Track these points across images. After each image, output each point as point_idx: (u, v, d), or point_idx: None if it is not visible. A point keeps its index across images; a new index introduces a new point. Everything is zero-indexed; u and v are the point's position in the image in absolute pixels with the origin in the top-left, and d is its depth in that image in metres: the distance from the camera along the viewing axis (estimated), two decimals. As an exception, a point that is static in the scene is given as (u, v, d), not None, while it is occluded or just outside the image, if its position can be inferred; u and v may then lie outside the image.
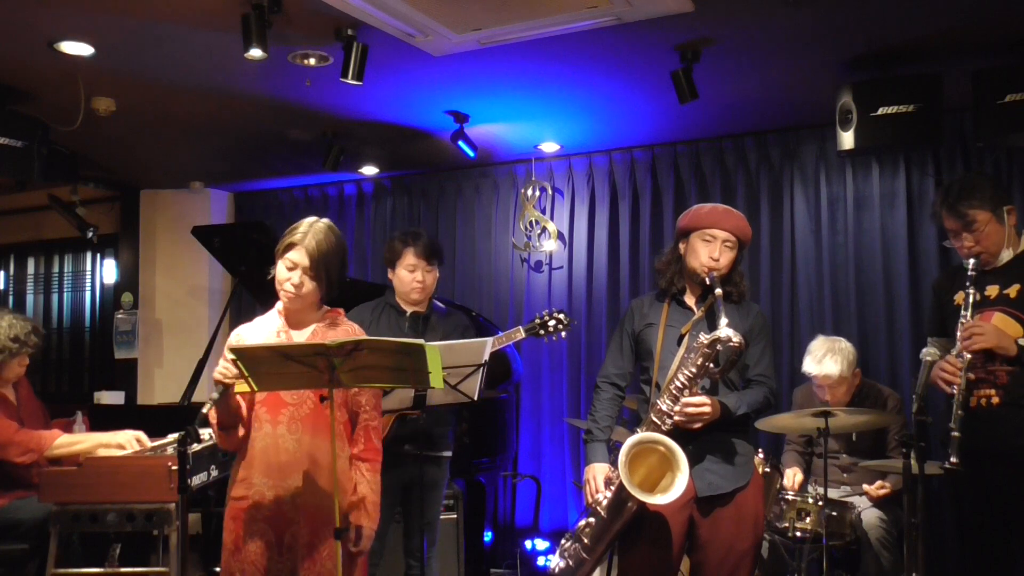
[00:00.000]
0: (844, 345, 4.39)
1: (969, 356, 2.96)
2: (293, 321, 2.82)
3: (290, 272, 2.72)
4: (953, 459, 2.91)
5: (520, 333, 3.93)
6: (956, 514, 3.89)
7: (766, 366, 3.08)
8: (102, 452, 3.71)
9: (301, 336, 2.80)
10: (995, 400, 3.01)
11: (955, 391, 2.97)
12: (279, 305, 2.84)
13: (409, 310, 3.70)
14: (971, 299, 3.02)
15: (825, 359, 4.31)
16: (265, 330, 2.84)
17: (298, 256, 2.71)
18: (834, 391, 4.35)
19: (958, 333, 3.01)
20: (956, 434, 2.93)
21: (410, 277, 3.65)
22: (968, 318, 3.00)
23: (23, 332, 3.96)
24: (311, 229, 2.74)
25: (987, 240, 3.07)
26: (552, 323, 3.99)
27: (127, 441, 3.77)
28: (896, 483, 4.17)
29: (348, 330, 2.84)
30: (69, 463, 3.59)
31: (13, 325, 3.95)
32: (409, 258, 3.65)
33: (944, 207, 3.13)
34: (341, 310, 2.91)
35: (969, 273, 3.04)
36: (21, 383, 4.12)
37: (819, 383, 4.37)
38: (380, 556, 3.70)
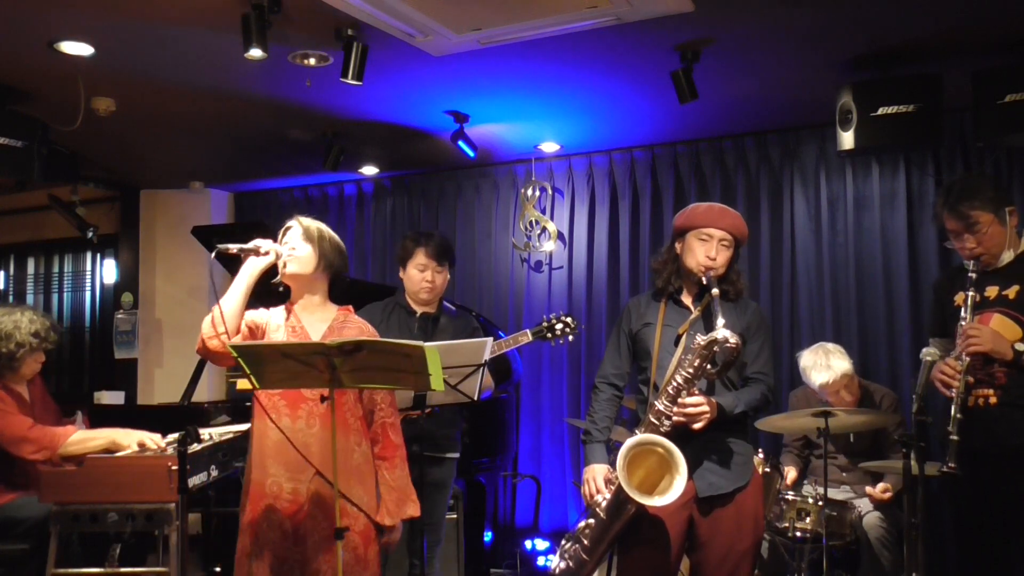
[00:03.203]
0: (832, 345, 4.39)
1: (968, 359, 2.96)
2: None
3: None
4: (951, 464, 2.91)
5: (527, 336, 3.91)
6: (955, 514, 3.90)
7: (764, 363, 3.07)
8: (120, 452, 3.69)
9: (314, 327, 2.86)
10: (992, 400, 3.00)
11: (953, 394, 2.97)
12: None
13: (419, 310, 3.71)
14: (970, 301, 3.01)
15: (831, 361, 4.28)
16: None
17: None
18: (848, 389, 4.32)
19: (957, 336, 3.00)
20: (955, 438, 2.92)
21: (420, 276, 3.66)
22: (967, 320, 2.99)
23: (43, 328, 3.98)
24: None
25: (989, 241, 3.06)
26: (559, 327, 3.96)
27: (150, 439, 3.74)
28: (896, 483, 4.17)
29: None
30: (76, 462, 3.60)
31: (34, 321, 3.98)
32: (420, 257, 3.66)
33: (946, 208, 3.11)
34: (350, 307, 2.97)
35: (970, 275, 3.04)
36: (35, 382, 4.14)
37: (833, 388, 4.28)
38: (385, 555, 3.70)
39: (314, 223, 2.87)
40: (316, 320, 2.85)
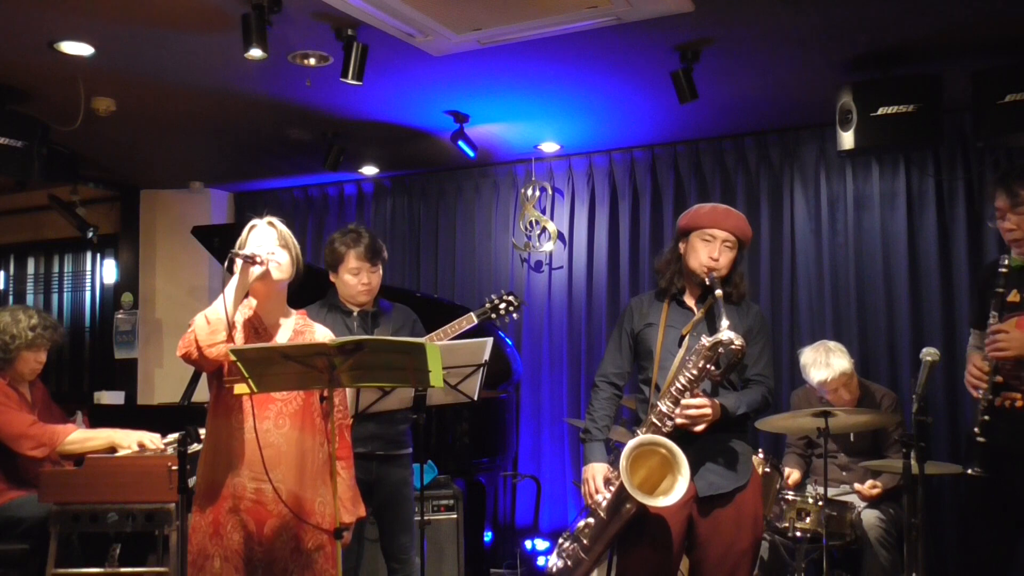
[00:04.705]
0: (834, 343, 4.39)
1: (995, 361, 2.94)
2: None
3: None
4: (976, 468, 2.91)
5: (472, 319, 3.88)
6: (962, 511, 3.86)
7: (764, 365, 3.08)
8: (120, 452, 3.69)
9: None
10: (1019, 403, 2.98)
11: (980, 395, 2.96)
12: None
13: (355, 309, 3.66)
14: (1002, 299, 2.98)
15: (831, 359, 4.27)
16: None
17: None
18: (847, 388, 4.31)
19: (985, 340, 2.97)
20: (981, 439, 2.91)
21: (355, 280, 3.58)
22: (996, 321, 2.95)
23: (40, 325, 4.04)
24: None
25: None
26: (503, 306, 3.98)
27: (149, 439, 3.75)
28: (889, 482, 4.17)
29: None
30: (75, 461, 3.60)
31: (32, 317, 4.06)
32: (352, 261, 3.56)
33: (1001, 184, 3.04)
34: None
35: (1000, 270, 3.00)
36: (37, 385, 4.16)
37: (832, 387, 4.29)
38: (360, 557, 3.68)
39: (286, 228, 2.86)
40: (279, 323, 2.86)
